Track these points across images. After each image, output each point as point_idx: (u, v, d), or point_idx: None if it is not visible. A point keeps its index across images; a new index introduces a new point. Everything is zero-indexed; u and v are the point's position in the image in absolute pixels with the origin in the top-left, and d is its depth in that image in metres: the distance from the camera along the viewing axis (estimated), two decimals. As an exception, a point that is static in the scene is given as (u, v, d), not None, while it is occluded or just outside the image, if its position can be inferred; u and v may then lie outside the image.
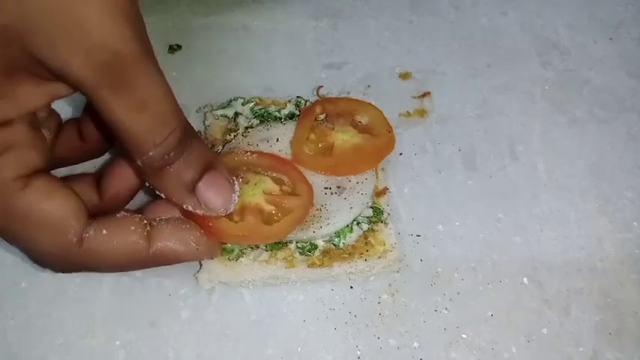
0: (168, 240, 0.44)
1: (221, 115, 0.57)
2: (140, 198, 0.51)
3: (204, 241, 0.45)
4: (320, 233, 0.49)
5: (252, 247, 0.49)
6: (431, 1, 0.70)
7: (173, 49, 0.65)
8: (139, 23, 0.38)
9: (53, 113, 0.47)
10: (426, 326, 0.48)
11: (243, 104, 0.58)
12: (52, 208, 0.40)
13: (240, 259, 0.49)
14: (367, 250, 0.49)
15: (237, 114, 0.57)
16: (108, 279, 0.49)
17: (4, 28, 0.35)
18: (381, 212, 0.51)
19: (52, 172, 0.44)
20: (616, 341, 0.48)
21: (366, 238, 0.50)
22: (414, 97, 0.62)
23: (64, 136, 0.48)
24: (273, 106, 0.58)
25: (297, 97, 0.58)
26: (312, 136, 0.54)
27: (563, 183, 0.56)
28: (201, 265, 0.49)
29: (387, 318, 0.48)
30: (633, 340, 0.48)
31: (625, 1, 0.70)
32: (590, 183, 0.56)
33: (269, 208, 0.47)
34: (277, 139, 0.54)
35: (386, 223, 0.51)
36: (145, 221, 0.44)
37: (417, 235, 0.53)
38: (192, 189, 0.42)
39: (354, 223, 0.50)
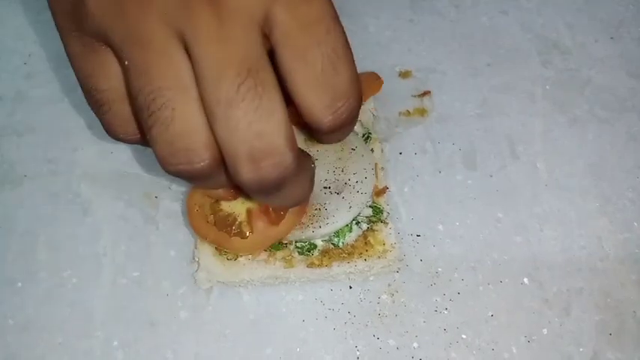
0: None
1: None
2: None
3: None
4: (319, 233, 0.48)
5: (251, 247, 0.49)
6: (431, 0, 0.69)
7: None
8: None
9: None
10: (425, 326, 0.48)
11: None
12: None
13: (239, 258, 0.48)
14: (367, 250, 0.49)
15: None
16: (106, 279, 0.49)
17: None
18: (381, 212, 0.51)
19: None
20: (616, 341, 0.47)
21: (365, 237, 0.50)
22: (414, 96, 0.61)
23: None
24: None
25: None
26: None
27: (563, 183, 0.56)
28: (199, 264, 0.49)
29: (387, 318, 0.48)
30: (633, 340, 0.47)
31: (626, 1, 0.70)
32: (590, 183, 0.56)
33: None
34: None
35: (385, 223, 0.51)
36: None
37: (417, 235, 0.52)
38: None
39: (354, 222, 0.50)
